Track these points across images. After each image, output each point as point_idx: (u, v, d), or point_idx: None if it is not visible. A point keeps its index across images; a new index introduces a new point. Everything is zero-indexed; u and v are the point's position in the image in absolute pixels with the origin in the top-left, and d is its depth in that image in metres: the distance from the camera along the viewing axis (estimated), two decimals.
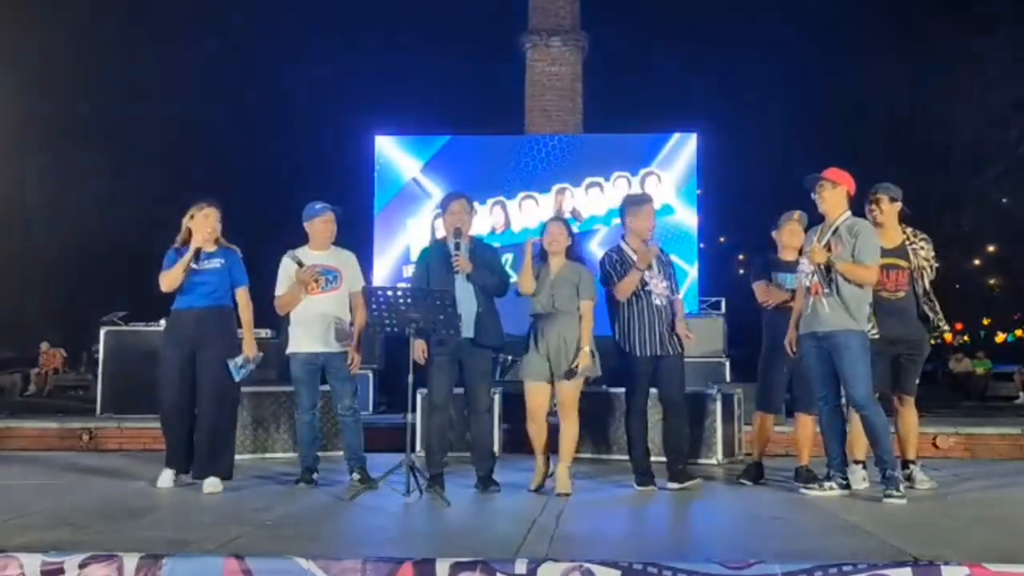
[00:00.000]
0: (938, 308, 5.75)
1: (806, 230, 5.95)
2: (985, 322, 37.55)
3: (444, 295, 5.31)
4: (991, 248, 31.86)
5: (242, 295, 5.71)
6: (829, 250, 5.25)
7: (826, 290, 5.22)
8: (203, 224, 5.61)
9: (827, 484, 5.35)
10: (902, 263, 5.65)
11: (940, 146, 24.30)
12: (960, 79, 22.07)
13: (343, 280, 5.86)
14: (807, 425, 5.91)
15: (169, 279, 5.57)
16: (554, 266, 5.56)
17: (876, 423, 5.20)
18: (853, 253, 5.21)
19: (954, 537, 4.19)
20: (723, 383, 7.65)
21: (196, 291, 5.57)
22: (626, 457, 6.13)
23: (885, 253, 5.55)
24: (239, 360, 5.57)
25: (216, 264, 5.60)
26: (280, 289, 5.84)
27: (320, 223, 5.85)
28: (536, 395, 5.54)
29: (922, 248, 5.72)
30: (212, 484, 5.47)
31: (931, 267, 5.75)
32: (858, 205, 5.56)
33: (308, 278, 5.75)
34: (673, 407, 5.72)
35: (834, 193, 5.33)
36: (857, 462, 5.67)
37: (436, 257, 5.72)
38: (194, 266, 5.56)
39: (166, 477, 5.59)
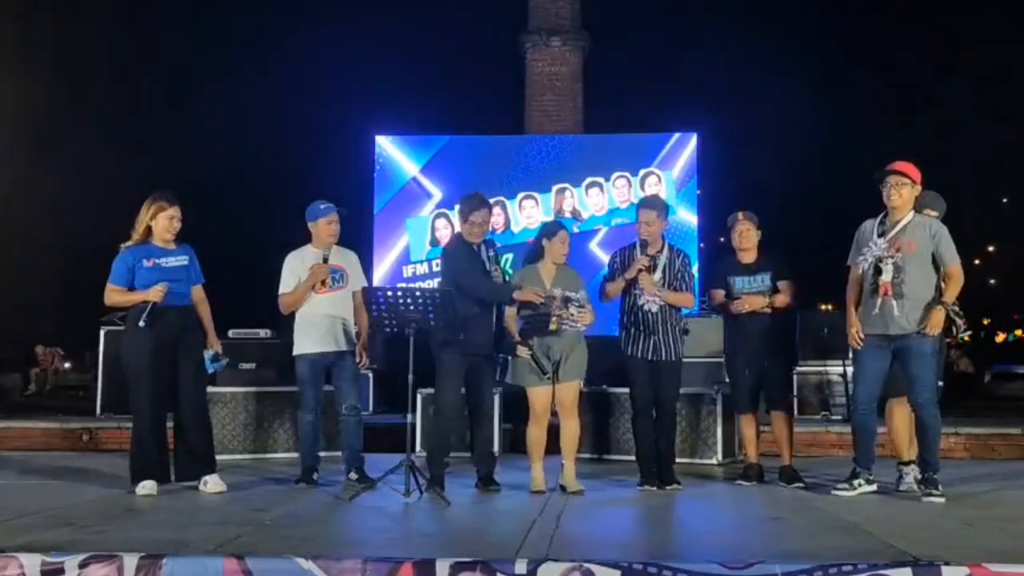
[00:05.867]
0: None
1: (759, 227, 5.92)
2: (985, 322, 37.50)
3: (444, 295, 5.30)
4: (991, 248, 31.84)
5: (201, 291, 5.68)
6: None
7: (897, 292, 5.12)
8: (171, 225, 5.45)
9: (856, 482, 5.33)
10: None
11: (940, 144, 24.31)
12: (961, 79, 22.09)
13: (348, 279, 5.86)
14: (779, 422, 5.90)
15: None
16: (552, 270, 5.55)
17: (934, 425, 5.20)
18: (933, 254, 5.14)
19: (954, 537, 4.18)
20: (723, 383, 7.63)
21: (173, 289, 5.41)
22: (626, 457, 6.13)
23: None
24: (210, 354, 5.60)
25: (184, 261, 5.55)
26: (285, 288, 5.83)
27: (324, 223, 5.83)
28: (544, 398, 5.48)
29: None
30: (216, 483, 5.47)
31: None
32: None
33: (325, 274, 5.73)
34: (663, 411, 5.73)
35: (912, 191, 5.24)
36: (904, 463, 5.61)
37: (465, 259, 5.60)
38: (167, 263, 5.44)
39: (150, 487, 5.34)
